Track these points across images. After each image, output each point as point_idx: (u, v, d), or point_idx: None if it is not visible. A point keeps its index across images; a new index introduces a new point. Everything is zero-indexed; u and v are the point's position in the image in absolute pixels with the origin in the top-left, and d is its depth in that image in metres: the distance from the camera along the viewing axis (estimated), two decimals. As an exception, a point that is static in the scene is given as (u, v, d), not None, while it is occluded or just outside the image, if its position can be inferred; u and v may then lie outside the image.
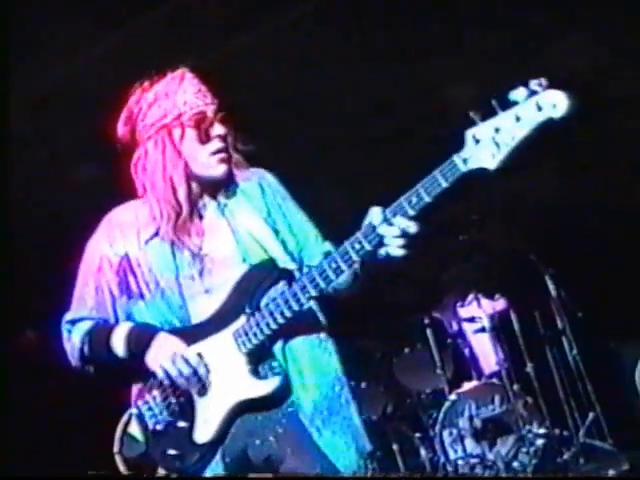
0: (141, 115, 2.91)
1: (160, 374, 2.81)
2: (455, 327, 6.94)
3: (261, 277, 2.80)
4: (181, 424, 2.81)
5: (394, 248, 2.57)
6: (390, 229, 2.55)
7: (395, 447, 6.08)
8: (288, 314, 2.71)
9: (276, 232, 2.93)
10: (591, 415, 6.14)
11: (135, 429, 2.89)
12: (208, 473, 2.80)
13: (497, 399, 6.29)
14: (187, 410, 2.82)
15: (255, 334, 2.74)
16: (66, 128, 5.84)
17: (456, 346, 6.82)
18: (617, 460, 5.60)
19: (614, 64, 5.97)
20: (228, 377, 2.79)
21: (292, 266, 2.87)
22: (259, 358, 2.78)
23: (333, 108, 6.16)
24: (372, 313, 6.61)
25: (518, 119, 2.38)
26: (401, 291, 6.86)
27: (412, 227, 2.54)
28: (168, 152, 2.88)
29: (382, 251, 2.61)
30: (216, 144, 2.88)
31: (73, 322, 3.03)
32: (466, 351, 6.83)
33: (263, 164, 3.06)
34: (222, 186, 2.96)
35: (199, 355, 2.79)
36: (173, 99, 2.85)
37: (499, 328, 6.64)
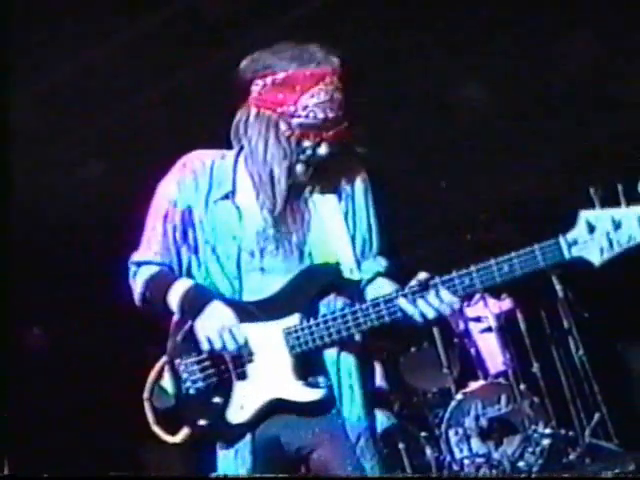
0: (264, 82, 2.73)
1: (205, 343, 2.75)
2: (462, 326, 6.93)
3: (323, 281, 2.76)
4: (216, 399, 2.77)
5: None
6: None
7: (401, 446, 6.08)
8: (344, 334, 2.67)
9: (350, 233, 2.85)
10: (597, 415, 6.15)
11: (167, 383, 2.83)
12: (233, 452, 2.78)
13: (503, 399, 6.29)
14: (223, 389, 2.77)
15: (307, 341, 2.69)
16: (68, 126, 5.86)
17: (462, 345, 6.82)
18: (623, 460, 5.60)
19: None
20: (271, 371, 2.75)
21: (356, 276, 2.80)
22: (305, 363, 2.74)
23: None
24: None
25: None
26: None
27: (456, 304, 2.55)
28: (271, 140, 2.74)
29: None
30: (314, 161, 2.76)
31: (139, 264, 2.95)
32: (472, 351, 6.82)
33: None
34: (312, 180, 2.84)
35: (245, 339, 2.74)
36: (297, 97, 2.67)
37: (505, 328, 6.65)
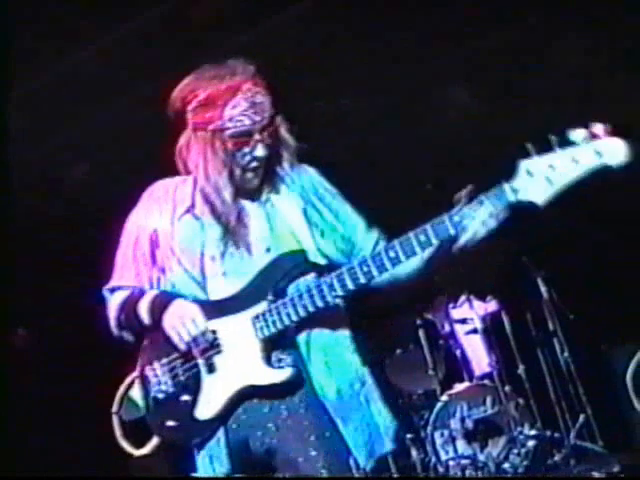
0: (192, 106, 2.89)
1: (172, 335, 2.83)
2: (447, 328, 6.94)
3: (289, 266, 2.80)
4: (184, 398, 2.82)
5: None
6: None
7: (387, 448, 6.08)
8: (311, 309, 2.72)
9: (313, 225, 2.93)
10: (582, 417, 6.17)
11: (137, 393, 2.90)
12: (207, 453, 2.82)
13: (489, 400, 6.31)
14: (192, 385, 2.83)
15: (274, 322, 2.75)
16: (66, 125, 5.85)
17: (448, 347, 6.83)
18: (608, 462, 5.62)
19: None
20: (240, 360, 2.79)
21: (322, 262, 2.86)
22: (274, 347, 2.79)
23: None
24: (364, 313, 6.62)
25: (575, 161, 2.43)
26: (393, 292, 6.85)
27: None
28: (209, 156, 2.89)
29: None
30: (255, 164, 2.89)
31: (112, 291, 3.08)
32: (458, 352, 6.83)
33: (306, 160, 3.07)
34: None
35: (213, 332, 2.81)
36: (221, 112, 2.83)
37: (491, 330, 6.66)
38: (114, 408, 2.91)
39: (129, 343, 3.05)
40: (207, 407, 2.79)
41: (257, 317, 2.77)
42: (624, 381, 5.87)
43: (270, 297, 2.77)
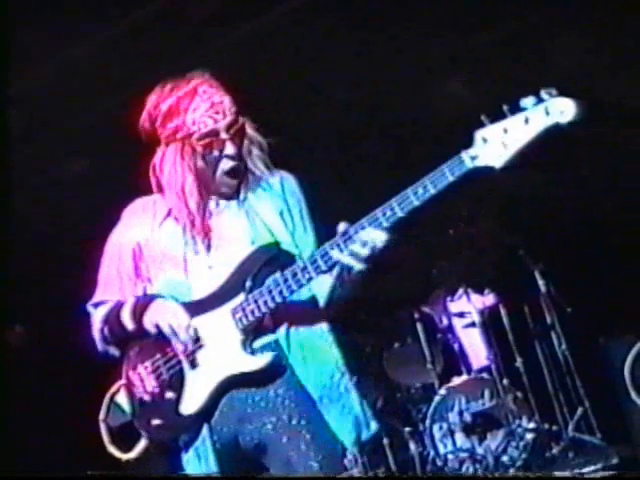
0: (158, 121, 2.95)
1: (153, 330, 2.86)
2: (445, 322, 6.95)
3: (265, 258, 2.83)
4: (169, 395, 2.84)
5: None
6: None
7: (385, 441, 6.09)
8: (286, 293, 2.74)
9: (287, 228, 2.97)
10: (580, 410, 6.18)
11: (122, 399, 2.93)
12: (193, 450, 2.84)
13: (487, 394, 6.31)
14: (176, 381, 2.85)
15: (252, 311, 2.77)
16: (65, 122, 5.84)
17: (446, 341, 6.83)
18: (606, 454, 5.64)
19: (616, 69, 6.00)
20: (221, 352, 2.81)
21: (296, 252, 2.90)
22: (254, 335, 2.81)
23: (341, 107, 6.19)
24: (362, 307, 6.63)
25: (527, 121, 2.49)
26: (391, 285, 6.87)
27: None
28: (178, 161, 2.93)
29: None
30: (227, 163, 2.93)
31: (95, 306, 3.12)
32: (456, 346, 6.83)
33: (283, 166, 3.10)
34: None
35: (195, 330, 2.83)
36: (183, 117, 2.88)
37: (489, 323, 6.67)
38: (101, 415, 2.94)
39: (114, 357, 3.06)
40: (191, 402, 2.82)
41: (235, 309, 2.80)
42: (622, 374, 5.87)
43: (247, 288, 2.79)
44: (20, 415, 5.98)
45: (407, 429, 6.29)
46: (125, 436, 2.89)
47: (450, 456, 6.09)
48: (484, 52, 5.98)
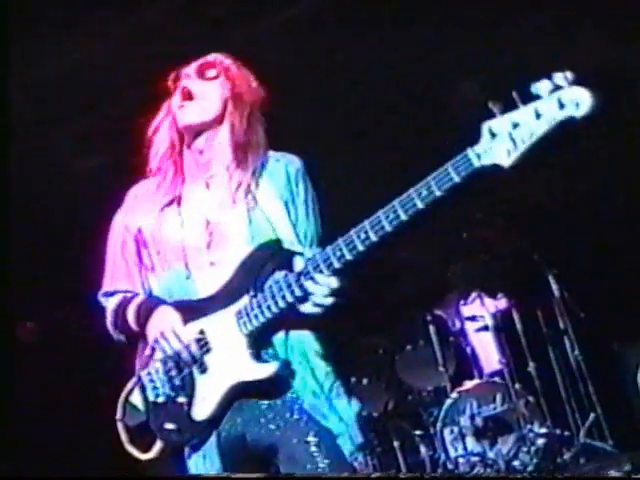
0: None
1: (156, 349, 2.87)
2: (457, 325, 6.93)
3: (266, 257, 2.81)
4: (181, 399, 2.83)
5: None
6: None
7: (396, 444, 6.09)
8: (290, 298, 2.71)
9: (290, 216, 2.93)
10: (592, 416, 6.15)
11: (137, 398, 2.92)
12: (202, 454, 2.84)
13: (498, 398, 6.29)
14: (188, 386, 2.84)
15: (256, 316, 2.75)
16: (66, 120, 5.85)
17: (458, 344, 6.82)
18: (617, 461, 5.59)
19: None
20: (229, 357, 2.80)
21: (298, 248, 2.87)
22: (260, 341, 2.79)
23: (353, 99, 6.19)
24: (374, 310, 6.62)
25: (538, 115, 2.30)
26: (404, 288, 6.87)
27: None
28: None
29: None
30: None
31: (106, 296, 3.12)
32: (468, 349, 6.83)
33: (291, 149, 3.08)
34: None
35: (201, 332, 2.82)
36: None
37: (501, 327, 6.65)
38: (118, 415, 2.94)
39: (128, 345, 3.07)
40: (202, 407, 2.81)
41: (240, 312, 2.78)
42: (635, 380, 5.85)
43: (251, 292, 2.77)
44: (31, 411, 6.01)
45: (418, 432, 6.28)
46: (143, 436, 2.89)
47: (461, 460, 6.07)
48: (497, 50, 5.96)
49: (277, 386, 2.80)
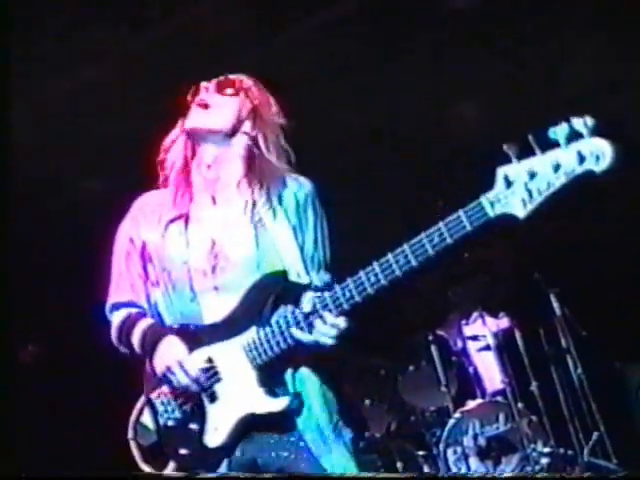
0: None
1: (165, 382, 2.86)
2: (460, 345, 6.92)
3: (271, 288, 2.80)
4: (192, 426, 2.84)
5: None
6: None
7: (399, 465, 6.07)
8: (299, 335, 2.72)
9: (298, 241, 2.94)
10: (595, 434, 6.13)
11: (147, 419, 2.92)
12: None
13: (501, 417, 6.27)
14: (198, 414, 2.85)
15: (265, 351, 2.75)
16: (67, 138, 5.88)
17: (460, 364, 6.81)
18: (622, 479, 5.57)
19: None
20: (239, 388, 2.80)
21: (305, 280, 2.87)
22: (270, 374, 2.79)
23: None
24: (376, 330, 6.61)
25: (557, 167, 2.23)
26: (406, 309, 6.86)
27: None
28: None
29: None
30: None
31: (112, 310, 3.12)
32: (470, 369, 6.82)
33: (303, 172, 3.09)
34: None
35: (209, 360, 2.81)
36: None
37: (503, 346, 6.63)
38: (129, 434, 2.95)
39: (132, 358, 3.07)
40: (214, 435, 2.81)
41: (248, 346, 2.78)
42: (638, 398, 5.83)
43: (258, 324, 2.77)
44: (34, 428, 5.99)
45: (421, 453, 6.25)
46: (156, 456, 2.90)
47: (464, 480, 6.04)
48: (500, 74, 6.00)
49: (289, 419, 2.81)
